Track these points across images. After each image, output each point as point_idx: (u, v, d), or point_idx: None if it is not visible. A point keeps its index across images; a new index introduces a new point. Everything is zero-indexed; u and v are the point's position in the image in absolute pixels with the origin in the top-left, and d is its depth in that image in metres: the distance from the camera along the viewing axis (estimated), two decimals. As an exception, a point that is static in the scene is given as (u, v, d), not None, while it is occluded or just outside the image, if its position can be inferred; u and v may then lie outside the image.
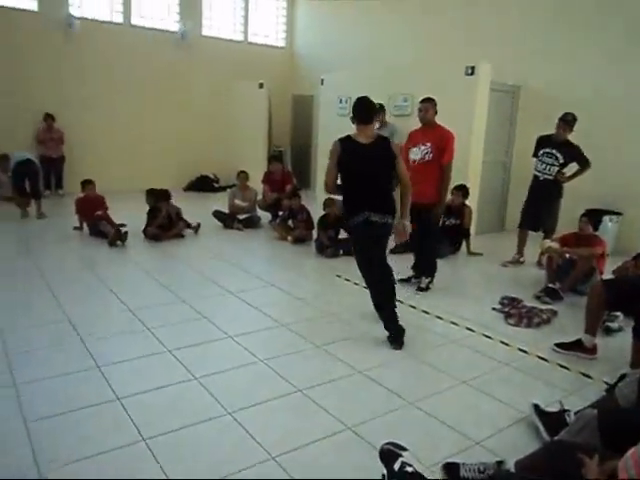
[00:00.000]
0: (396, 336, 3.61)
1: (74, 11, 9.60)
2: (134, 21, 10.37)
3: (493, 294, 4.79)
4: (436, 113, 4.72)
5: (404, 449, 2.07)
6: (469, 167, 6.97)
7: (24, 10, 9.21)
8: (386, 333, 3.66)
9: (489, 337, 3.83)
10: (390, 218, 3.60)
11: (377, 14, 10.10)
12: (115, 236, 6.09)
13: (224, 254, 6.03)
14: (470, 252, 6.34)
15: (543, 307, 4.44)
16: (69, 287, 4.60)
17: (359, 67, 9.41)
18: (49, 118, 9.13)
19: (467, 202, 6.38)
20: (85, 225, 6.72)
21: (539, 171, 5.71)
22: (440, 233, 6.22)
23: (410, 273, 5.10)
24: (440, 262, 5.04)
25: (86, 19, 9.73)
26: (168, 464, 2.22)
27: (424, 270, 4.94)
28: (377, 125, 7.32)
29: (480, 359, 3.45)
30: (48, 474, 2.14)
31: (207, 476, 2.16)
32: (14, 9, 9.11)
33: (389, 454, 2.03)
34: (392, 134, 7.28)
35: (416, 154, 4.72)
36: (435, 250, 5.02)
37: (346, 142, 3.63)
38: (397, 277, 5.08)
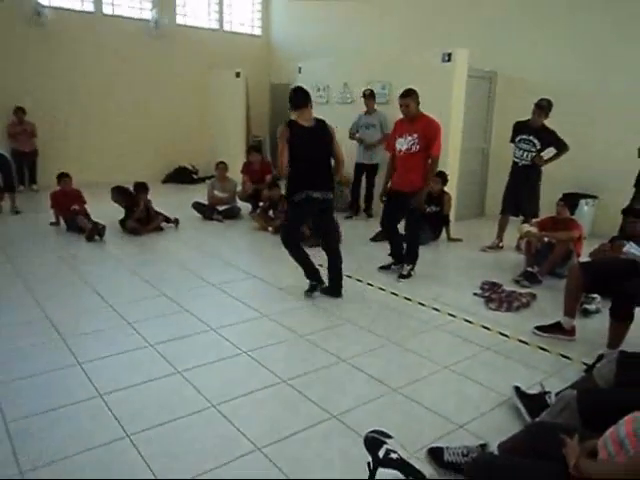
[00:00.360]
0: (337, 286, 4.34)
1: (42, 0, 9.34)
2: (106, 10, 10.14)
3: (474, 279, 4.84)
4: (419, 103, 4.68)
5: (389, 436, 2.09)
6: (448, 154, 6.99)
7: (-10, 0, 8.93)
8: (366, 320, 3.68)
9: (470, 322, 3.87)
10: (331, 194, 4.16)
11: (355, 1, 10.03)
12: (93, 231, 6.00)
13: (204, 246, 5.98)
14: (450, 238, 6.40)
15: (522, 291, 4.50)
16: (47, 284, 4.52)
17: (336, 55, 9.36)
18: (19, 111, 8.89)
19: (446, 189, 6.42)
20: (62, 220, 6.59)
21: (517, 157, 5.76)
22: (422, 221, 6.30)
23: (389, 260, 5.15)
24: (421, 249, 5.06)
25: (55, 8, 9.48)
26: (153, 459, 2.21)
27: (406, 257, 4.97)
28: (363, 111, 7.38)
29: (462, 344, 3.49)
30: (28, 474, 2.11)
31: (194, 469, 2.16)
32: (-21, -1, 8.83)
33: (374, 442, 2.05)
34: (381, 121, 7.28)
35: (402, 144, 4.71)
36: (417, 238, 5.05)
37: (293, 125, 3.95)
38: (377, 265, 5.16)
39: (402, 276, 4.87)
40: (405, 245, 5.00)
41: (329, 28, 10.58)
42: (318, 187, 4.03)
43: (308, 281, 4.38)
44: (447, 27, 8.24)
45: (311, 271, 4.37)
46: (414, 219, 4.90)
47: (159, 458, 2.22)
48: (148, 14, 10.63)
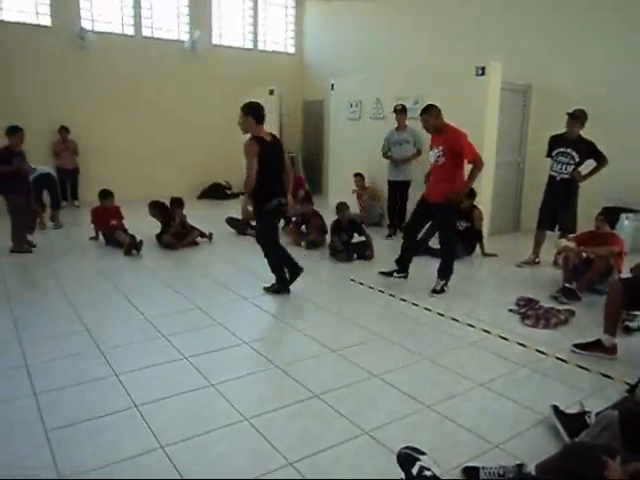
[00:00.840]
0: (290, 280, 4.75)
1: (86, 25, 9.76)
2: (145, 33, 10.51)
3: (509, 295, 4.75)
4: (439, 117, 4.71)
5: (422, 453, 2.06)
6: (482, 169, 6.92)
7: (38, 25, 9.39)
8: (398, 335, 3.64)
9: (506, 339, 3.79)
10: (285, 199, 4.56)
11: (386, 17, 10.11)
12: (130, 245, 6.15)
13: (238, 261, 6.06)
14: (484, 253, 6.30)
15: (560, 307, 4.39)
16: (86, 296, 4.65)
17: (369, 71, 9.42)
18: (63, 130, 9.28)
19: (479, 204, 6.34)
20: (101, 235, 6.79)
21: (555, 171, 5.65)
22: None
23: (393, 267, 5.13)
24: (454, 264, 5.00)
25: (98, 32, 9.88)
26: (186, 471, 2.23)
27: (440, 272, 4.91)
28: (394, 127, 7.36)
29: (497, 361, 3.42)
30: (68, 482, 2.16)
31: (225, 482, 2.17)
32: (28, 25, 9.29)
33: (407, 458, 2.02)
34: (415, 137, 7.20)
35: (431, 157, 4.82)
36: (453, 253, 5.03)
37: (260, 140, 4.30)
38: (411, 281, 5.12)
39: (435, 291, 4.82)
40: (440, 260, 4.97)
41: (361, 44, 10.68)
42: (283, 194, 4.52)
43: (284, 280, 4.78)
44: (480, 40, 8.21)
45: (292, 266, 4.78)
46: (449, 234, 4.90)
47: (192, 470, 2.24)
48: (185, 36, 10.96)
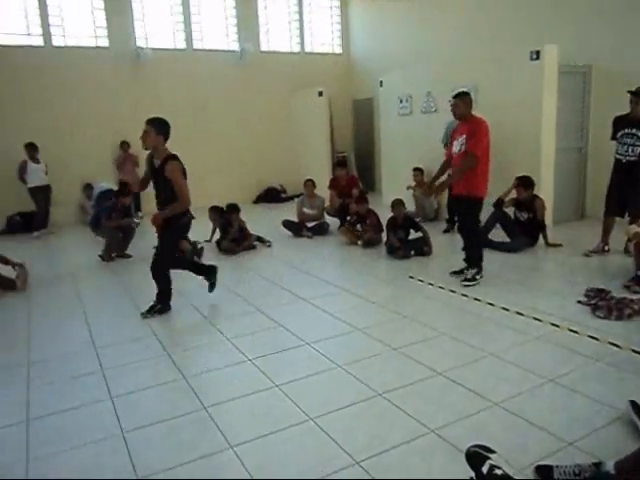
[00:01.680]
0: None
1: (141, 43, 10.17)
2: (196, 45, 10.83)
3: (577, 286, 4.55)
4: (470, 106, 4.74)
5: (492, 451, 2.01)
6: (541, 156, 6.69)
7: (97, 47, 9.88)
8: (461, 331, 3.56)
9: (576, 332, 3.63)
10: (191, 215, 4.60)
11: (432, 8, 9.93)
12: (192, 252, 6.35)
13: (296, 262, 6.13)
14: (548, 244, 6.06)
15: (634, 297, 4.16)
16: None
17: (418, 64, 9.29)
18: (125, 144, 9.70)
19: (539, 193, 6.12)
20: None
21: (620, 154, 5.37)
22: (514, 227, 6.06)
23: (463, 265, 5.08)
24: (517, 256, 4.86)
25: (152, 49, 10.27)
26: (256, 471, 2.28)
27: (468, 261, 4.95)
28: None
29: (568, 355, 3.28)
30: (146, 481, 2.26)
31: (294, 481, 2.20)
32: (88, 47, 9.80)
33: (476, 456, 1.98)
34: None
35: (456, 146, 4.81)
36: (476, 241, 4.99)
37: (178, 158, 4.40)
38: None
39: (467, 280, 4.80)
40: (465, 249, 5.00)
41: (409, 38, 10.55)
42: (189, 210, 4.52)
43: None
44: (533, 23, 7.91)
45: (168, 294, 4.56)
46: (469, 221, 4.89)
47: (261, 470, 2.29)
48: (234, 45, 11.20)
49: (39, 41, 9.41)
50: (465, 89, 7.00)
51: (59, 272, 6.21)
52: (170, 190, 4.25)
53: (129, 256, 6.72)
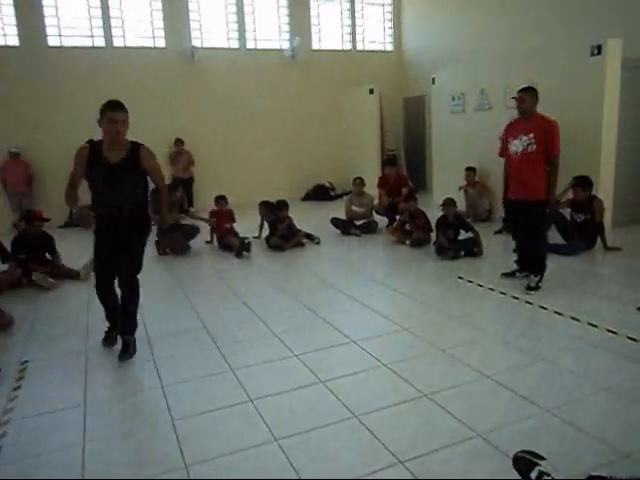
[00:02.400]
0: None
1: (196, 43, 10.44)
2: (249, 45, 11.01)
3: (638, 293, 4.34)
4: (537, 102, 4.49)
5: (541, 457, 1.95)
6: (601, 155, 6.41)
7: (154, 48, 10.21)
8: (512, 334, 3.46)
9: (635, 340, 3.47)
10: None
11: (486, 3, 9.69)
12: (240, 248, 6.47)
13: (344, 260, 6.13)
14: (607, 247, 5.80)
15: (700, 305, 3.93)
16: (204, 296, 4.97)
17: (471, 61, 9.10)
18: (178, 142, 9.98)
19: (597, 194, 5.87)
20: (215, 239, 7.21)
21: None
22: (570, 229, 5.84)
23: (514, 267, 4.92)
24: (573, 259, 4.68)
25: (206, 48, 10.52)
26: (300, 465, 2.31)
27: (532, 268, 4.69)
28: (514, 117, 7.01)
29: (625, 364, 3.14)
30: (192, 467, 2.33)
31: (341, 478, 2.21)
32: (146, 48, 10.14)
33: (525, 462, 1.93)
34: None
35: (517, 146, 4.52)
36: (542, 247, 4.73)
37: None
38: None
39: (529, 288, 4.58)
40: (529, 255, 4.75)
41: (463, 35, 10.33)
42: None
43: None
44: (595, 15, 7.57)
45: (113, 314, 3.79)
46: (537, 227, 4.62)
47: (305, 464, 2.31)
48: (286, 44, 11.31)
49: (101, 42, 9.82)
50: (530, 84, 6.87)
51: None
52: (142, 185, 3.58)
53: (188, 247, 6.90)
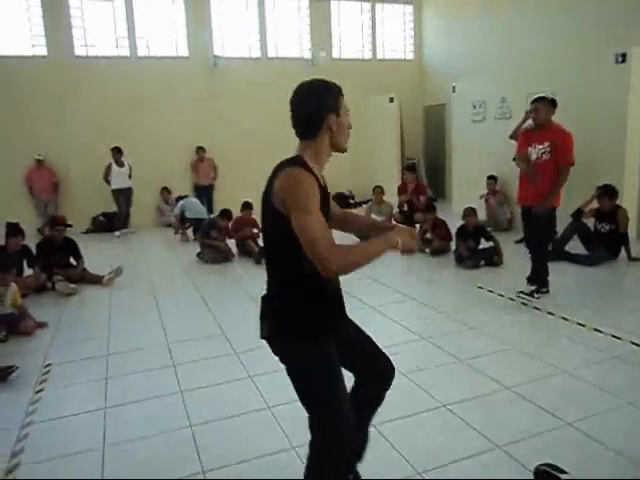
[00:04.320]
0: None
1: (218, 52, 10.58)
2: (270, 54, 11.11)
3: (663, 304, 4.25)
4: (552, 113, 4.50)
5: (563, 471, 1.93)
6: (625, 164, 6.31)
7: (177, 57, 10.37)
8: (532, 346, 3.41)
9: (660, 353, 3.40)
10: None
11: (507, 11, 9.63)
12: (260, 254, 6.50)
13: (362, 268, 6.10)
14: (631, 258, 5.69)
15: None
16: (222, 303, 5.00)
17: (493, 69, 9.05)
18: (200, 150, 10.09)
19: (622, 203, 5.78)
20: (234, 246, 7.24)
21: None
22: (593, 240, 5.75)
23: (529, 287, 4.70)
24: (595, 270, 4.61)
25: (228, 58, 10.64)
26: (316, 472, 2.30)
27: (532, 276, 4.67)
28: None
29: (650, 377, 3.08)
30: (209, 473, 2.34)
31: (354, 487, 2.20)
32: (170, 57, 10.31)
33: (546, 476, 1.90)
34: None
35: (531, 154, 4.52)
36: (543, 256, 4.67)
37: None
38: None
39: (520, 291, 4.61)
40: (532, 264, 4.69)
41: (483, 43, 10.27)
42: None
43: None
44: (619, 23, 7.46)
45: None
46: (540, 234, 4.58)
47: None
48: (307, 53, 11.39)
49: (126, 52, 10.01)
50: (545, 94, 6.81)
51: (139, 271, 6.54)
52: None
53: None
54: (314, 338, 1.78)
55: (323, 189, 1.85)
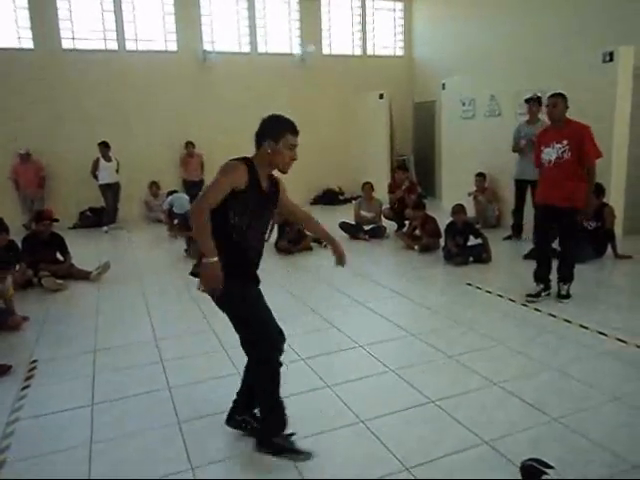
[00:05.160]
0: None
1: (207, 47, 10.51)
2: (260, 49, 11.06)
3: (648, 301, 4.31)
4: (567, 109, 4.38)
5: (549, 466, 1.95)
6: (612, 163, 6.37)
7: (166, 51, 10.28)
8: (520, 342, 3.44)
9: (645, 349, 3.44)
10: None
11: (496, 9, 9.67)
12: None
13: (351, 264, 6.07)
14: (617, 255, 5.76)
15: None
16: (210, 299, 4.96)
17: (482, 67, 9.08)
18: (189, 145, 10.02)
19: (608, 201, 5.83)
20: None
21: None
22: (580, 237, 5.79)
23: (535, 286, 4.63)
24: (582, 268, 4.65)
25: (218, 53, 10.57)
26: (305, 469, 2.31)
27: (564, 276, 4.57)
28: (524, 121, 6.91)
29: (635, 373, 3.11)
30: (198, 470, 2.33)
31: (343, 482, 2.21)
32: (158, 51, 10.22)
33: (532, 471, 1.92)
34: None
35: (550, 154, 4.39)
36: (574, 255, 4.62)
37: None
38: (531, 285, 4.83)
39: (562, 296, 4.50)
40: (560, 262, 4.59)
41: (473, 41, 10.31)
42: None
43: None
44: (607, 22, 7.52)
45: None
46: (571, 234, 4.50)
47: (311, 469, 2.31)
48: (297, 48, 11.35)
49: (113, 45, 9.90)
50: (533, 93, 6.84)
51: (127, 266, 6.49)
52: None
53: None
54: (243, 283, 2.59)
55: (262, 191, 2.48)
